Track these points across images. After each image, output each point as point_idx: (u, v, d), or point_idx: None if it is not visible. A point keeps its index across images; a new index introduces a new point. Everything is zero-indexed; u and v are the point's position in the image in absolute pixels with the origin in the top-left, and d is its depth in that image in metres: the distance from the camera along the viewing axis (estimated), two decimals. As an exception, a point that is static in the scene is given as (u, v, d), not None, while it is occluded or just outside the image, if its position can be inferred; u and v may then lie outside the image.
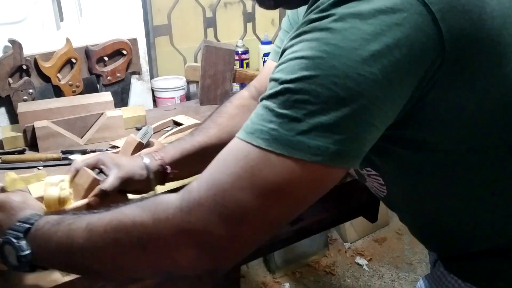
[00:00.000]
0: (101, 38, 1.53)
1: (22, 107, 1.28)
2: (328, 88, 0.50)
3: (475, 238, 0.71)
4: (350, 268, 2.22)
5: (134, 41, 1.58)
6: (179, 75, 1.79)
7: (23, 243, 0.64)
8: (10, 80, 1.37)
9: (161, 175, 0.90)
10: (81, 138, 1.31)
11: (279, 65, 0.56)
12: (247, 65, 1.95)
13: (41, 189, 0.82)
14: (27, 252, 0.63)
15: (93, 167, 0.86)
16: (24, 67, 1.38)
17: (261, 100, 0.56)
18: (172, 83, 1.69)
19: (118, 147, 1.24)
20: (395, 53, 0.51)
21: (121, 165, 0.86)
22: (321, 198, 1.04)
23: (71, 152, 1.23)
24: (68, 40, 1.44)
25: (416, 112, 0.57)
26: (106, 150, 1.22)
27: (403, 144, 0.62)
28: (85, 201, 0.80)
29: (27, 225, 0.65)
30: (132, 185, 0.86)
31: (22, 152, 1.25)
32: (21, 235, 0.64)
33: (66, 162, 1.19)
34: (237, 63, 1.80)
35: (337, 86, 0.50)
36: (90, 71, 1.53)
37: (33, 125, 1.24)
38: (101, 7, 1.51)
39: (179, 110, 1.54)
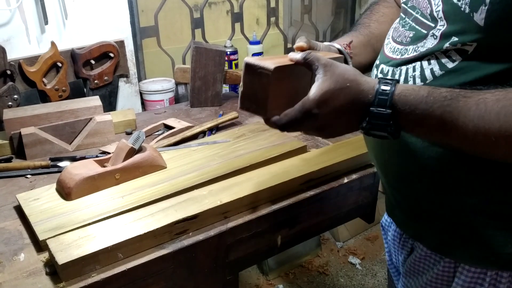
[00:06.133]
0: (87, 41, 1.49)
1: (7, 114, 1.24)
2: None
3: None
4: (343, 268, 2.21)
5: (121, 43, 1.54)
6: (167, 77, 1.76)
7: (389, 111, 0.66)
8: (-6, 85, 1.33)
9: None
10: (70, 144, 1.27)
11: None
12: (236, 65, 1.92)
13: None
14: (389, 117, 0.66)
15: None
16: (8, 72, 1.34)
17: None
18: (160, 85, 1.66)
19: (109, 153, 1.20)
20: None
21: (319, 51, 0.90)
22: (318, 200, 1.03)
23: (60, 159, 1.20)
24: (53, 44, 1.40)
25: None
26: (97, 156, 1.18)
27: None
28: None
29: (386, 97, 0.67)
30: None
31: (8, 160, 1.21)
32: (388, 104, 0.66)
33: (55, 169, 1.15)
34: (226, 64, 1.78)
35: None
36: (77, 75, 1.49)
37: (20, 132, 1.20)
38: (86, 9, 1.47)
39: (169, 113, 1.51)
